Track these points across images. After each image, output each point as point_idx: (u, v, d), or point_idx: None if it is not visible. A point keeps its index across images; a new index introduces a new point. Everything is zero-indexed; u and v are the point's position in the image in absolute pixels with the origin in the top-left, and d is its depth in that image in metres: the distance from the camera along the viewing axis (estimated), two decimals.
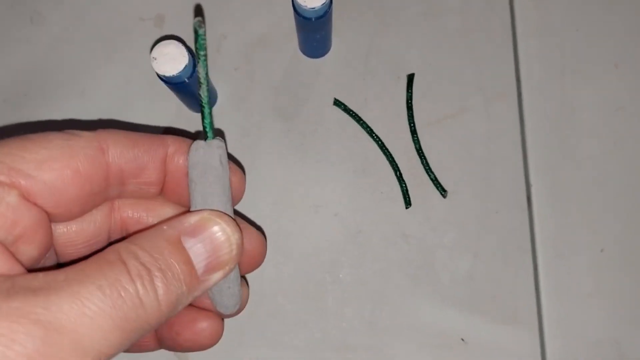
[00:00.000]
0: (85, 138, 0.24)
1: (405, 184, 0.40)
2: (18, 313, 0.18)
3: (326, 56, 0.42)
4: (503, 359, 0.38)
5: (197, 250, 0.22)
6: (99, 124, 0.41)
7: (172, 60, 0.33)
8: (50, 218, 0.24)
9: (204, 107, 0.25)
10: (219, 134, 0.41)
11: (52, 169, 0.22)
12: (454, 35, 0.42)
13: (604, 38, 0.42)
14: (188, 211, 0.25)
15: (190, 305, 0.25)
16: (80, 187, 0.23)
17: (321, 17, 0.35)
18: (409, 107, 0.41)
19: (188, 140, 0.26)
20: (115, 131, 0.25)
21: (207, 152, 0.25)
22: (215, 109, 0.41)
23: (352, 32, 0.42)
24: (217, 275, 0.23)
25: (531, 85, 0.42)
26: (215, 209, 0.24)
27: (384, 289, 0.39)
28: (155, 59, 0.33)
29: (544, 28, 0.42)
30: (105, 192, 0.25)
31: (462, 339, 0.39)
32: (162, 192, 0.27)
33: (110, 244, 0.26)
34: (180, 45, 0.33)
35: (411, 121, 0.41)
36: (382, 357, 0.39)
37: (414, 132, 0.41)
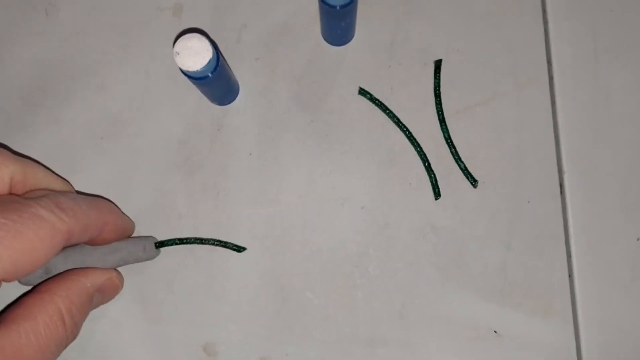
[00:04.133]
0: None
1: (434, 174, 0.39)
2: None
3: (350, 43, 0.41)
4: (537, 352, 0.38)
5: (97, 299, 0.35)
6: None
7: (196, 54, 0.32)
8: None
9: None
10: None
11: None
12: (481, 18, 0.41)
13: (639, 18, 0.40)
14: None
15: None
16: None
17: (347, 4, 0.34)
18: (437, 95, 0.40)
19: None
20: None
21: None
22: (236, 101, 0.40)
23: (377, 18, 0.41)
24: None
25: (563, 69, 0.40)
26: (114, 267, 0.37)
27: (414, 282, 0.39)
28: (178, 54, 0.32)
29: (576, 9, 0.41)
30: None
31: (495, 331, 0.38)
32: None
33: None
34: (203, 38, 0.32)
35: (439, 109, 0.40)
36: (413, 351, 0.38)
37: (442, 120, 0.40)
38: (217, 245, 0.39)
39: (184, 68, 0.32)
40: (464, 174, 0.39)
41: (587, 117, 0.40)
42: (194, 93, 0.40)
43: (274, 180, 0.40)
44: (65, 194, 0.32)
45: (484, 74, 0.40)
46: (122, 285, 0.37)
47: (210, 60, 0.32)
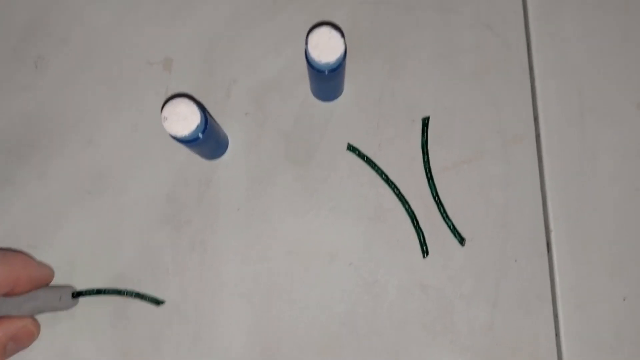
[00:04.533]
0: None
1: (422, 232, 0.39)
2: None
3: (339, 99, 0.41)
4: None
5: (11, 347, 0.35)
6: None
7: (184, 119, 0.32)
8: None
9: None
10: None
11: None
12: (469, 76, 0.41)
13: (625, 78, 0.41)
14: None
15: None
16: None
17: (334, 69, 0.34)
18: (425, 152, 0.40)
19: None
20: None
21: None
22: (225, 156, 0.40)
23: (365, 75, 0.41)
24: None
25: (550, 128, 0.40)
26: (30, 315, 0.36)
27: (401, 340, 0.38)
28: (166, 119, 0.32)
29: (562, 68, 0.41)
30: None
31: None
32: None
33: None
34: (190, 103, 0.32)
35: (427, 166, 0.40)
36: None
37: (430, 177, 0.40)
38: (135, 297, 0.38)
39: (172, 133, 0.32)
40: (452, 232, 0.39)
41: (574, 175, 0.40)
42: (183, 148, 0.40)
43: (262, 236, 0.40)
44: None
45: (470, 131, 0.40)
46: (38, 332, 0.37)
47: (198, 125, 0.32)
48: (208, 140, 0.35)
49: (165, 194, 0.40)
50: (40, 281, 0.37)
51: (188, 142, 0.33)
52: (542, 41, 0.41)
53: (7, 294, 0.35)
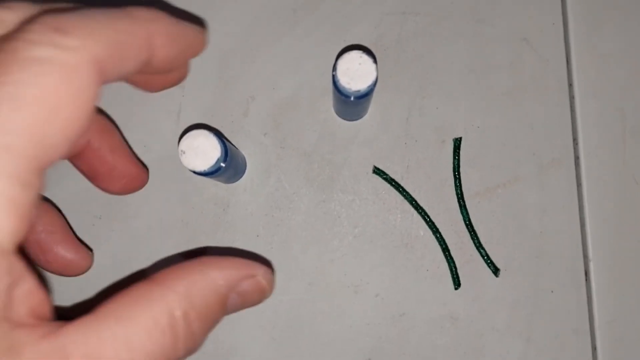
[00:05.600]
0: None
1: (453, 261, 0.37)
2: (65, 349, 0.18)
3: (364, 118, 0.38)
4: None
5: (234, 301, 0.23)
6: None
7: (203, 154, 0.30)
8: None
9: None
10: None
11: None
12: (504, 94, 0.38)
13: None
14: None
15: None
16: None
17: (364, 96, 0.32)
18: (456, 176, 0.38)
19: None
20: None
21: None
22: (243, 179, 0.38)
23: (392, 92, 0.38)
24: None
25: (590, 151, 0.38)
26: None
27: None
28: (184, 153, 0.30)
29: (604, 86, 0.38)
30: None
31: None
32: None
33: None
34: (210, 135, 0.30)
35: (459, 191, 0.37)
36: None
37: (462, 203, 0.37)
38: None
39: (191, 168, 0.30)
40: (485, 261, 0.37)
41: (615, 201, 0.38)
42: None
43: (282, 265, 0.37)
44: (71, 8, 0.20)
45: (505, 154, 0.38)
46: (271, 288, 0.25)
47: (218, 159, 0.30)
48: (227, 170, 0.33)
49: (180, 219, 0.38)
50: (186, 42, 0.23)
51: (207, 174, 0.31)
52: (582, 57, 0.38)
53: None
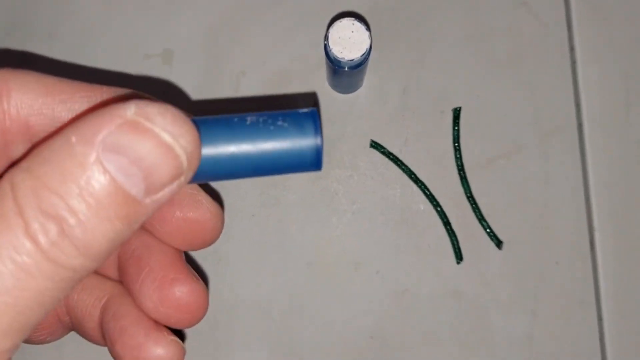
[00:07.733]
0: None
1: (455, 235, 0.36)
2: None
3: (359, 91, 0.37)
4: None
5: (123, 167, 0.15)
6: None
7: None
8: None
9: None
10: None
11: None
12: (503, 61, 0.37)
13: None
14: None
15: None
16: None
17: (357, 65, 0.30)
18: (456, 147, 0.36)
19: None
20: (23, 73, 0.17)
21: None
22: None
23: (388, 63, 0.37)
24: (167, 191, 0.15)
25: (593, 117, 0.37)
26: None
27: (434, 353, 0.36)
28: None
29: (606, 50, 0.37)
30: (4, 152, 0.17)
31: None
32: None
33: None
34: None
35: (459, 163, 0.36)
36: None
37: (462, 175, 0.36)
38: None
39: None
40: (488, 234, 0.36)
41: (619, 169, 0.36)
42: None
43: (279, 245, 0.36)
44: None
45: (506, 123, 0.37)
46: (186, 140, 0.16)
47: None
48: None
49: None
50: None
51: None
52: (584, 20, 0.37)
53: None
